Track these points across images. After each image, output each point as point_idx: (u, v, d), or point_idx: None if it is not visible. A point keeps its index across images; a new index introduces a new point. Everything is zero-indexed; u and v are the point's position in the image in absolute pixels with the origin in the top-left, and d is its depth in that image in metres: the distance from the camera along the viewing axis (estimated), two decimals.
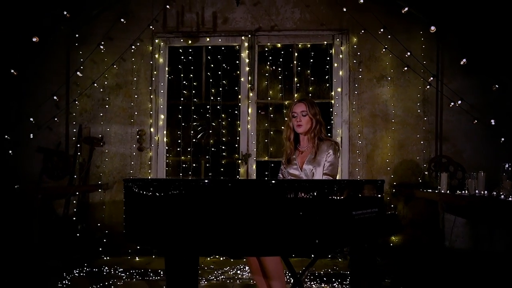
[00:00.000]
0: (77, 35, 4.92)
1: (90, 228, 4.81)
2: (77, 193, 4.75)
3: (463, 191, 3.67)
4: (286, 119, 4.66)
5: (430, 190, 4.07)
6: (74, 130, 4.92)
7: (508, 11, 4.13)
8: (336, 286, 3.67)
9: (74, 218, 4.69)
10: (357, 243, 2.08)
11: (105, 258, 4.58)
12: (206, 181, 1.69)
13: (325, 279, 3.83)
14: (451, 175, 4.26)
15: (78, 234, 4.65)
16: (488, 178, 3.68)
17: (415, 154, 4.72)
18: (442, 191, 3.65)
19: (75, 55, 4.94)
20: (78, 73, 4.73)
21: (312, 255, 1.48)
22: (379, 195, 2.06)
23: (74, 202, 4.78)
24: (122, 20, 4.87)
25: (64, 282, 3.62)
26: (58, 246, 4.49)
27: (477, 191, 3.34)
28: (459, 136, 4.70)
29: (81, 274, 3.93)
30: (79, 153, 4.85)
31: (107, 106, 4.94)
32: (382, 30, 4.52)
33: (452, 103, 4.49)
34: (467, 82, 4.63)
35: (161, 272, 4.00)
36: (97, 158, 4.93)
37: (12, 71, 3.72)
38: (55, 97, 4.72)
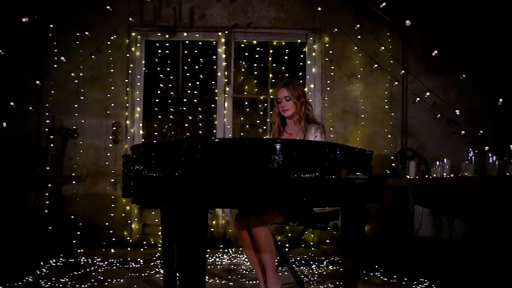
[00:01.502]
0: (51, 26, 4.86)
1: (63, 221, 4.72)
2: (50, 185, 4.66)
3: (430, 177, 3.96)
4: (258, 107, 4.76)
5: (401, 178, 4.35)
6: (47, 121, 4.82)
7: (466, 17, 4.50)
8: (314, 267, 3.83)
9: (46, 211, 4.59)
10: (351, 205, 2.24)
11: (79, 250, 4.50)
12: (216, 139, 1.80)
13: (303, 262, 3.99)
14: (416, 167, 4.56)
15: (50, 227, 4.55)
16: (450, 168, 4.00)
17: (383, 148, 5.00)
18: (411, 177, 3.92)
19: (49, 46, 4.88)
20: (61, 61, 4.68)
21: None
22: (370, 165, 2.23)
23: (46, 194, 4.67)
24: (98, 12, 4.88)
25: (42, 270, 3.55)
26: (30, 238, 4.37)
27: (444, 174, 3.63)
28: (422, 131, 5.03)
29: (58, 263, 3.86)
30: (51, 145, 4.77)
31: (81, 98, 4.90)
32: (358, 26, 4.84)
33: (418, 98, 4.83)
34: (430, 81, 4.97)
35: (141, 261, 4.00)
36: (71, 150, 4.86)
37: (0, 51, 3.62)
38: (37, 82, 4.65)
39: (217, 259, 4.15)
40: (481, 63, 4.86)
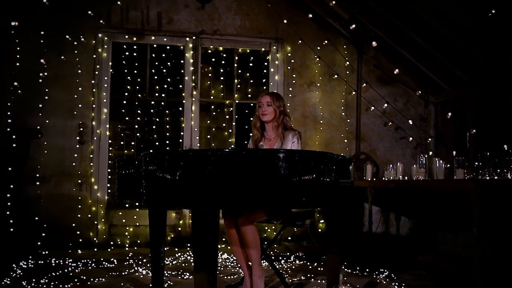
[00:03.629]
0: (13, 24, 4.73)
1: (26, 222, 4.62)
2: (11, 186, 4.55)
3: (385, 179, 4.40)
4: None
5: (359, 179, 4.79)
6: (9, 121, 4.70)
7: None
8: (283, 262, 4.13)
9: (8, 212, 4.49)
10: (337, 205, 2.55)
11: (44, 252, 4.44)
12: (227, 149, 2.02)
13: (279, 258, 4.29)
14: None
15: (12, 229, 4.45)
16: None
17: (339, 151, 5.41)
18: (369, 179, 4.35)
19: (11, 44, 4.75)
20: (24, 59, 4.59)
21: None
22: (350, 169, 2.56)
23: (8, 195, 4.56)
24: (64, 11, 4.85)
25: (16, 271, 3.52)
26: None
27: (400, 177, 4.07)
28: (374, 136, 5.52)
29: (29, 265, 3.82)
30: (14, 145, 4.66)
31: (46, 98, 4.83)
32: (326, 41, 5.24)
33: (373, 107, 5.30)
34: (380, 91, 5.47)
35: (115, 261, 4.06)
36: (34, 150, 4.78)
37: None
38: (15, 84, 4.52)
39: (189, 257, 4.31)
40: (425, 77, 5.43)
